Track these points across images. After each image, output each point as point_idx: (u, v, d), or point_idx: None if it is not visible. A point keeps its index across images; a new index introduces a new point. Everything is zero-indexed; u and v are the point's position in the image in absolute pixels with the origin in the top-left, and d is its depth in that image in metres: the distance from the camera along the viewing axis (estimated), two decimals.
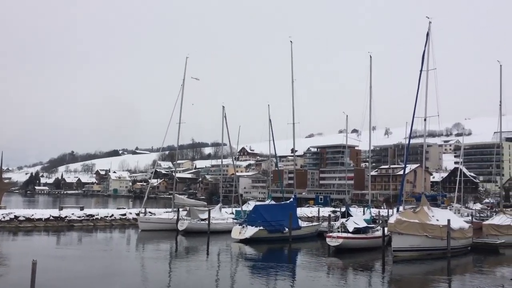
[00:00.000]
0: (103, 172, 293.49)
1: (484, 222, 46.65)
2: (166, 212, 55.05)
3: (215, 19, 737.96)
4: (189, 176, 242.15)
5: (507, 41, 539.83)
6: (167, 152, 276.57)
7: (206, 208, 52.99)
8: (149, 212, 55.25)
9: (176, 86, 71.65)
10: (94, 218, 51.63)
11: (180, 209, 51.08)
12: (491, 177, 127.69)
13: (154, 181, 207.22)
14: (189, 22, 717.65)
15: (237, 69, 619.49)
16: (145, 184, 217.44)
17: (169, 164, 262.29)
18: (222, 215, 53.55)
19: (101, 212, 54.55)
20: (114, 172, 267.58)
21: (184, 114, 54.98)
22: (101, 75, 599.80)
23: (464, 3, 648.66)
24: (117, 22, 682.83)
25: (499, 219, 43.44)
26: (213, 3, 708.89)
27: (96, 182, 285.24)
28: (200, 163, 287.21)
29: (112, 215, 53.80)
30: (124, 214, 54.67)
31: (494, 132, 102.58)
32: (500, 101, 52.07)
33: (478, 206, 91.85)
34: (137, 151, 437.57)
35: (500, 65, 51.95)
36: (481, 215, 67.73)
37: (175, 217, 48.87)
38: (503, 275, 29.66)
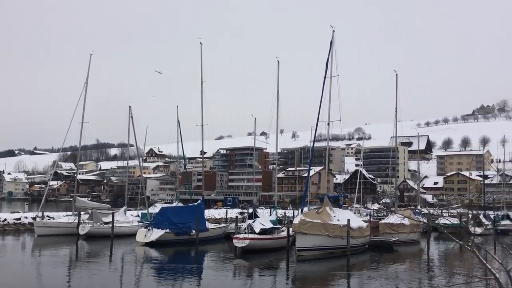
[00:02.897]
0: None
1: (381, 221, 49.54)
2: (67, 215, 52.18)
3: (125, 16, 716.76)
4: (93, 178, 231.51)
5: (402, 52, 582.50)
6: (69, 153, 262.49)
7: (110, 211, 51.02)
8: (47, 216, 52.07)
9: (78, 84, 67.88)
10: None
11: (82, 213, 48.73)
12: (388, 179, 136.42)
13: (54, 183, 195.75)
14: (94, 16, 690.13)
15: (145, 68, 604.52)
16: (44, 186, 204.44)
17: (71, 165, 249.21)
18: (127, 218, 51.85)
19: None
20: (9, 173, 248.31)
21: (88, 113, 52.40)
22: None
23: (365, 14, 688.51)
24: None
25: (393, 218, 46.39)
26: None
27: None
28: (105, 165, 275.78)
29: (5, 219, 49.84)
30: (19, 219, 50.92)
31: (391, 137, 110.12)
32: (396, 108, 55.91)
33: (376, 206, 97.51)
34: (36, 151, 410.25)
35: (396, 74, 55.83)
36: (378, 214, 71.90)
37: (76, 221, 46.48)
38: (396, 270, 31.83)
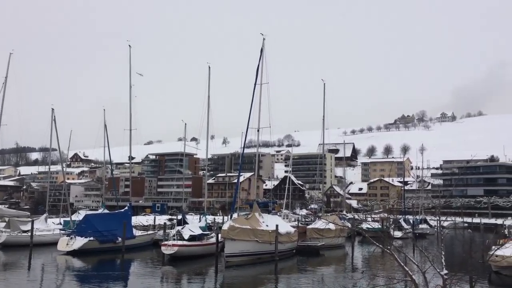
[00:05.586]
0: None
1: (308, 227, 50.72)
2: None
3: (48, 17, 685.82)
4: (11, 184, 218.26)
5: (330, 62, 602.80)
6: None
7: (29, 219, 48.34)
8: None
9: None
10: None
11: None
12: (315, 185, 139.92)
13: None
14: (17, 15, 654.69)
15: (70, 70, 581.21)
16: None
17: None
18: (48, 226, 49.52)
19: None
20: None
21: (6, 115, 49.37)
22: None
23: (295, 23, 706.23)
24: None
25: (320, 223, 47.64)
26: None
27: None
28: (25, 170, 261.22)
29: None
30: None
31: (319, 144, 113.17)
32: (323, 116, 57.58)
33: (304, 211, 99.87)
34: None
35: (324, 83, 57.54)
36: (306, 220, 73.54)
37: None
38: (323, 274, 32.68)
